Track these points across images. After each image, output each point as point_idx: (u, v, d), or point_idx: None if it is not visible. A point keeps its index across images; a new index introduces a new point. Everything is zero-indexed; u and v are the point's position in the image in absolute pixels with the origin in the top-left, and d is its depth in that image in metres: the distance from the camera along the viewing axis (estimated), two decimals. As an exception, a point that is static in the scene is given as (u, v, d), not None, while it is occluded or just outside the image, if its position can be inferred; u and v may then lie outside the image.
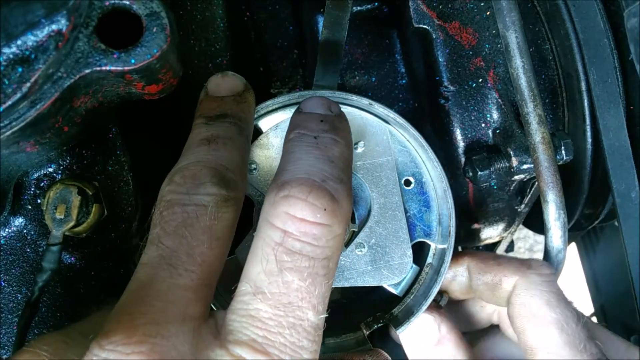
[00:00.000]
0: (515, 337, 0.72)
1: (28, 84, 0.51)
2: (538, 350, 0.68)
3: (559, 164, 0.77)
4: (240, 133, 0.63)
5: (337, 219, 0.53)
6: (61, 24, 0.52)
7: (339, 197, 0.54)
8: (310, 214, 0.52)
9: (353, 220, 0.75)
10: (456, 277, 0.78)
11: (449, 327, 0.76)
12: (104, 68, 0.54)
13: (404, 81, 0.95)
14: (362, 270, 0.76)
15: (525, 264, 0.72)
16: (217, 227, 0.54)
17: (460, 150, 0.85)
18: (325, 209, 0.52)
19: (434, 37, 0.83)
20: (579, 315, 0.68)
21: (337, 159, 0.58)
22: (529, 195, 0.91)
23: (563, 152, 0.79)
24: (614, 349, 0.73)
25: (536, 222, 1.08)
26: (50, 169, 0.69)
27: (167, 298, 0.50)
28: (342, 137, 0.61)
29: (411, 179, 0.77)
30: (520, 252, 2.67)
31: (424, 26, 0.83)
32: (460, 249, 1.10)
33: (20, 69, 0.51)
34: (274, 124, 0.75)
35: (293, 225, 0.52)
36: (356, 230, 0.75)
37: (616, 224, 0.80)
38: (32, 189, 0.69)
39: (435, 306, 0.78)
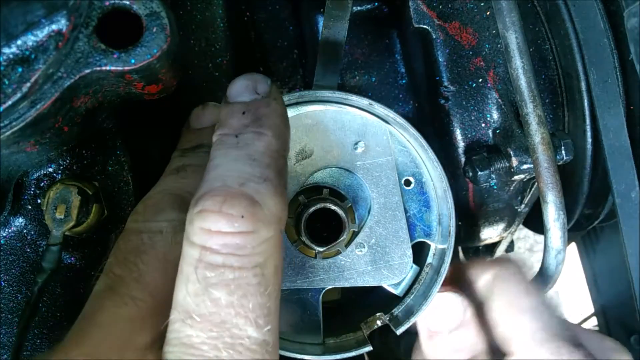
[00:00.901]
0: None
1: (28, 84, 0.51)
2: (514, 336, 0.68)
3: (559, 164, 0.77)
4: None
5: (262, 223, 0.48)
6: (61, 24, 0.52)
7: (261, 198, 0.49)
8: (226, 225, 0.47)
9: (353, 220, 0.75)
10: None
11: (474, 313, 0.75)
12: (104, 68, 0.54)
13: (404, 81, 0.95)
14: (362, 270, 0.76)
15: (499, 261, 0.74)
16: (175, 254, 0.52)
17: (460, 150, 0.85)
18: (243, 216, 0.48)
19: (434, 37, 0.83)
20: (552, 304, 0.69)
21: (261, 155, 0.53)
22: (529, 195, 0.91)
23: (563, 152, 0.79)
24: (588, 337, 0.73)
25: (536, 222, 1.08)
26: (50, 169, 0.69)
27: (107, 329, 0.49)
28: (268, 127, 0.55)
29: (411, 179, 0.77)
30: (520, 252, 2.66)
31: (424, 26, 0.83)
32: (460, 249, 1.10)
33: (20, 69, 0.51)
34: (274, 124, 0.75)
35: (211, 239, 0.48)
36: (356, 230, 0.75)
37: (616, 224, 0.80)
38: (32, 189, 0.69)
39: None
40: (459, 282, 0.75)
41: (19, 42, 0.50)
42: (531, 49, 0.86)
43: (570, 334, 0.67)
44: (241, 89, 0.58)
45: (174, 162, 0.64)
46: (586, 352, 0.66)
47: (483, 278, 0.73)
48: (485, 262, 0.75)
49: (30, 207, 0.70)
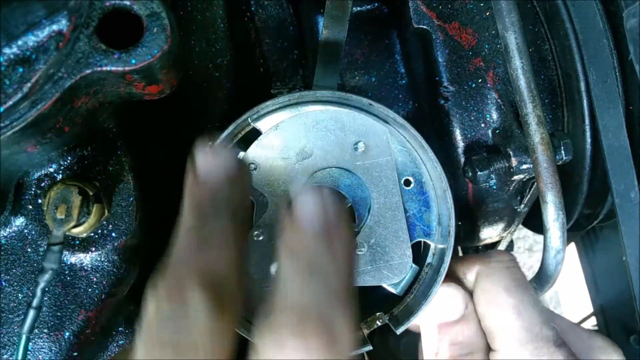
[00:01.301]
0: None
1: (29, 84, 0.51)
2: (497, 334, 0.69)
3: (558, 164, 0.77)
4: (236, 228, 0.56)
5: (335, 350, 0.48)
6: (62, 24, 0.52)
7: (335, 325, 0.48)
8: (303, 353, 0.47)
9: (353, 220, 0.76)
10: None
11: (474, 308, 0.75)
12: (104, 68, 0.55)
13: (403, 81, 0.95)
14: (362, 270, 0.76)
15: (486, 255, 0.74)
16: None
17: (460, 150, 0.86)
18: (317, 347, 0.47)
19: (434, 37, 0.84)
20: (536, 300, 0.69)
21: (334, 279, 0.52)
22: (529, 195, 0.91)
23: (562, 152, 0.79)
24: (576, 335, 0.73)
25: (536, 222, 1.08)
26: (51, 169, 0.70)
27: None
28: (340, 249, 0.54)
29: (411, 179, 0.77)
30: (520, 252, 2.67)
31: (424, 26, 0.83)
32: (460, 249, 1.10)
33: (21, 69, 0.51)
34: (274, 124, 0.75)
35: None
36: (356, 230, 0.75)
37: (616, 224, 0.80)
38: (33, 189, 0.69)
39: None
40: (452, 274, 0.76)
41: (19, 42, 0.50)
42: (531, 50, 0.86)
43: (553, 333, 0.67)
44: (310, 209, 0.55)
45: (191, 229, 0.55)
46: (569, 351, 0.67)
47: (470, 274, 0.74)
48: (471, 258, 0.75)
49: (31, 207, 0.70)
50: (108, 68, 0.55)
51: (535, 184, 0.87)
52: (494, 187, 0.87)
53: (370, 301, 0.87)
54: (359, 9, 0.94)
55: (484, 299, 0.71)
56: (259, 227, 0.75)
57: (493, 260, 0.73)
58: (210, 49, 0.87)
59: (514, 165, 0.81)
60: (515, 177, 0.84)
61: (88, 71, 0.54)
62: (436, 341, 0.74)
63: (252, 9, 0.96)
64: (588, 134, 0.84)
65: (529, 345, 0.66)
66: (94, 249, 0.71)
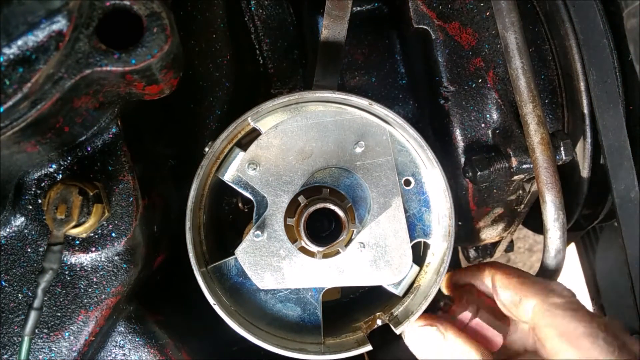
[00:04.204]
0: None
1: (29, 84, 0.51)
2: None
3: (559, 164, 0.77)
4: None
5: None
6: (62, 24, 0.52)
7: None
8: None
9: (353, 220, 0.76)
10: (480, 285, 0.79)
11: (455, 331, 0.75)
12: (104, 68, 0.54)
13: (404, 81, 0.95)
14: (362, 270, 0.76)
15: (547, 287, 0.72)
16: None
17: (460, 150, 0.85)
18: None
19: (434, 37, 0.83)
20: (604, 324, 0.68)
21: None
22: (529, 195, 0.91)
23: (562, 152, 0.79)
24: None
25: (536, 222, 1.08)
26: (51, 169, 0.69)
27: None
28: None
29: (411, 179, 0.77)
30: (520, 252, 2.66)
31: (424, 26, 0.83)
32: (460, 249, 1.10)
33: (21, 69, 0.51)
34: (274, 124, 0.75)
35: None
36: (356, 230, 0.75)
37: (615, 224, 0.80)
38: (33, 189, 0.69)
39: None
40: (505, 291, 0.74)
41: (19, 42, 0.50)
42: (531, 50, 0.86)
43: (627, 348, 0.67)
44: None
45: None
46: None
47: (527, 302, 0.72)
48: (534, 285, 0.73)
49: (30, 207, 0.70)
50: (108, 68, 0.55)
51: (535, 184, 0.87)
52: (494, 187, 0.87)
53: (370, 301, 0.88)
54: (359, 9, 0.94)
55: (553, 333, 0.69)
56: (259, 227, 0.75)
57: (554, 295, 0.71)
58: (210, 49, 0.87)
59: (514, 165, 0.81)
60: (516, 177, 0.84)
61: (88, 71, 0.54)
62: None
63: (252, 9, 0.96)
64: (588, 133, 0.84)
65: None
66: (94, 249, 0.71)
